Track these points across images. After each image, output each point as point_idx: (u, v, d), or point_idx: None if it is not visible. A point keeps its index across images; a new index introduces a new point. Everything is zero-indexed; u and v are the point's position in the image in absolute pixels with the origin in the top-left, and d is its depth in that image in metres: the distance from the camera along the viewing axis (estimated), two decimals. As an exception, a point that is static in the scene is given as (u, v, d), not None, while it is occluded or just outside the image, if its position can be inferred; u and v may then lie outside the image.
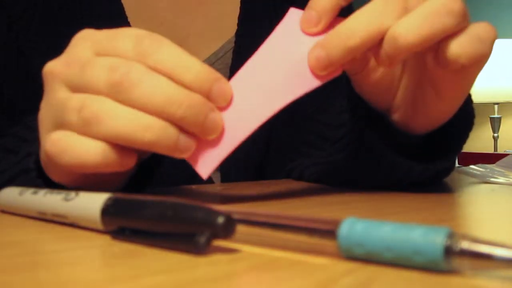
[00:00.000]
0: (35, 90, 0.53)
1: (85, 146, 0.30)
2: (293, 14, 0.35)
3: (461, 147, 0.43)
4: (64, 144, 0.31)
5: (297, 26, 0.35)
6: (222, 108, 0.33)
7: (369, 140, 0.41)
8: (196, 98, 0.30)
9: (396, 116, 0.40)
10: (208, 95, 0.31)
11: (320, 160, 0.51)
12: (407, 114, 0.39)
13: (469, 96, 0.42)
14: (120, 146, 0.31)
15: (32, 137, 0.39)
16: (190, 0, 0.62)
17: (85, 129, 0.30)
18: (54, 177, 0.35)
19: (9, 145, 0.43)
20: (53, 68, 0.33)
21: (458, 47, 0.32)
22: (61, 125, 0.31)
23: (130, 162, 0.31)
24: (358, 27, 0.32)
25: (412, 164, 0.40)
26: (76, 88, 0.31)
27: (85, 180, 0.34)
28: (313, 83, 0.34)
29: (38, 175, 0.37)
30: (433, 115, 0.38)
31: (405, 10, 0.32)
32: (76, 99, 0.31)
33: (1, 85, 0.54)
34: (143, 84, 0.30)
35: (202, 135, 0.32)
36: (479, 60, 0.33)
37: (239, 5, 0.63)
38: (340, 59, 0.33)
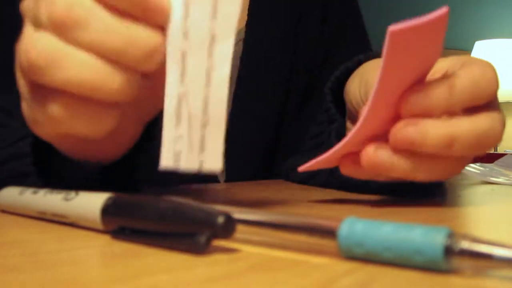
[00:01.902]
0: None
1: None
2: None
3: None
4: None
5: None
6: None
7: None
8: (157, 37, 0.27)
9: None
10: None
11: (306, 162, 0.51)
12: None
13: None
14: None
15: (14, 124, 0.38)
16: None
17: (37, 76, 0.27)
18: (39, 129, 0.31)
19: None
20: (25, 5, 0.29)
21: None
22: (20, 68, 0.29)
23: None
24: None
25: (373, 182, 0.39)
26: (34, 24, 0.28)
27: (75, 140, 0.32)
28: None
29: (34, 162, 0.35)
30: None
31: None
32: (26, 39, 0.28)
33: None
34: (93, 23, 0.26)
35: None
36: None
37: (248, 2, 0.63)
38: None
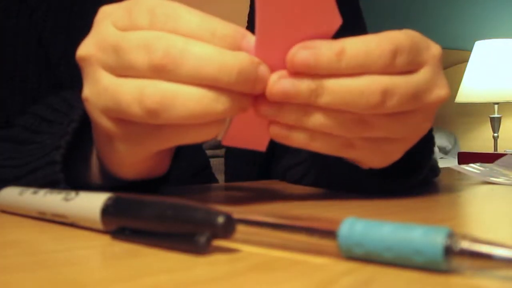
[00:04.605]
0: (57, 79, 0.53)
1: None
2: None
3: (421, 169, 0.42)
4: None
5: None
6: None
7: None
8: (244, 58, 0.29)
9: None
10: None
11: (299, 161, 0.51)
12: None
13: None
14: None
15: (56, 117, 0.39)
16: None
17: (153, 120, 0.30)
18: (122, 158, 0.34)
19: (30, 126, 0.42)
20: (87, 53, 0.32)
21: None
22: (119, 114, 0.31)
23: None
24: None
25: (377, 181, 0.40)
26: (117, 71, 0.31)
27: (144, 163, 0.35)
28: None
29: (62, 170, 0.36)
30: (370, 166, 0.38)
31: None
32: (129, 88, 0.30)
33: (26, 74, 0.53)
34: (188, 59, 0.29)
35: (254, 91, 0.30)
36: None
37: (248, 2, 0.63)
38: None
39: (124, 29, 0.31)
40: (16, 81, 0.53)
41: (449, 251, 0.18)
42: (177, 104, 0.29)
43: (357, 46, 0.31)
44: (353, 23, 0.66)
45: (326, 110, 0.32)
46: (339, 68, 0.31)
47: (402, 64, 0.32)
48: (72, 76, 0.35)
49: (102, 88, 0.31)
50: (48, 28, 0.53)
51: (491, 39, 2.52)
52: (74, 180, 0.37)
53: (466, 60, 2.63)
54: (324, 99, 0.31)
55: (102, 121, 0.32)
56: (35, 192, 0.29)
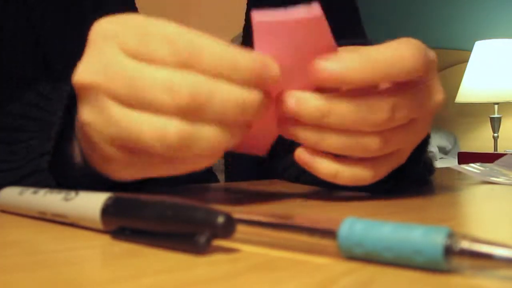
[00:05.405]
0: (55, 80, 0.53)
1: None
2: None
3: (415, 169, 0.42)
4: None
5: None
6: None
7: None
8: (257, 96, 0.30)
9: None
10: (261, 84, 0.30)
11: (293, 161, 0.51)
12: None
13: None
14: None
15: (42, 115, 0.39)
16: None
17: (171, 154, 0.30)
18: (119, 168, 0.34)
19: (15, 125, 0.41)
20: (91, 81, 0.30)
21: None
22: (130, 144, 0.30)
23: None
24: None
25: None
26: (130, 105, 0.29)
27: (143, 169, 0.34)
28: None
29: (51, 174, 0.36)
30: None
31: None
32: (150, 125, 0.29)
33: (24, 75, 0.53)
34: (214, 102, 0.28)
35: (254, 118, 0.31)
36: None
37: (246, 2, 0.63)
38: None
39: (136, 56, 0.29)
40: (14, 81, 0.53)
41: (449, 251, 0.18)
42: (199, 142, 0.29)
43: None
44: (351, 27, 0.66)
45: (339, 131, 0.33)
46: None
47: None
48: (70, 77, 0.35)
49: (112, 119, 0.30)
50: (46, 28, 0.53)
51: (491, 39, 2.52)
52: (63, 180, 0.37)
53: (466, 60, 2.63)
54: (332, 119, 0.32)
55: (106, 148, 0.32)
56: (35, 192, 0.29)
